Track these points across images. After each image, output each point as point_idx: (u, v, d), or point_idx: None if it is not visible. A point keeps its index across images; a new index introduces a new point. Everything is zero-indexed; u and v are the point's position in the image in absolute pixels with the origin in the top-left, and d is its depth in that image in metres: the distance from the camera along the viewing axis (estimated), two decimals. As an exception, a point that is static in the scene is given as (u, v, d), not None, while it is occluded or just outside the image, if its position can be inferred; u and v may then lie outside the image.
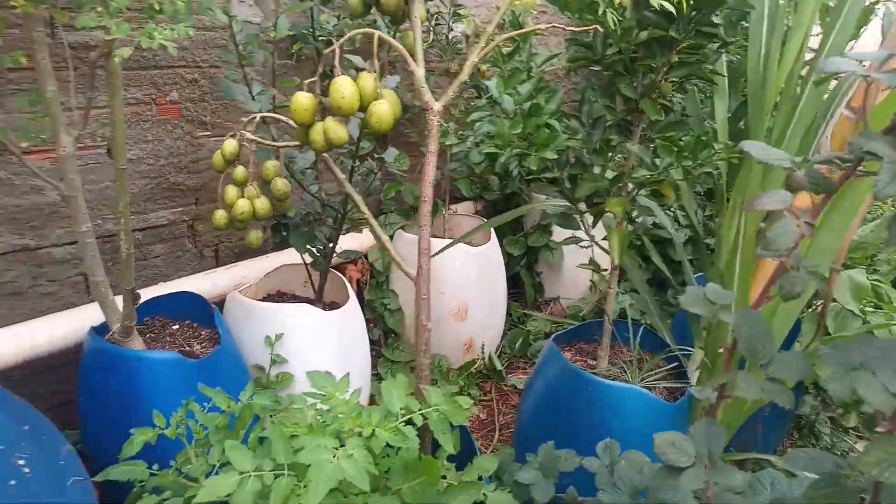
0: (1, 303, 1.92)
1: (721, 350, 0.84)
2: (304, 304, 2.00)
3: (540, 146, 1.29)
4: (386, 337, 2.66)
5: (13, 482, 1.21)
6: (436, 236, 2.55)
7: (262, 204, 1.33)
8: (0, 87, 1.79)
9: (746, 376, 0.74)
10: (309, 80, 1.19)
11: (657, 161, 1.57)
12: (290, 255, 2.37)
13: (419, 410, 1.18)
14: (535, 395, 1.89)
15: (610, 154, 1.62)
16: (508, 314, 2.85)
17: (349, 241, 2.45)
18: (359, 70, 1.25)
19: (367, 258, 2.62)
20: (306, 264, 2.09)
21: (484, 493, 1.21)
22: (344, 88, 1.11)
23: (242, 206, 1.30)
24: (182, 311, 1.98)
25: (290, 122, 1.23)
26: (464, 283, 2.50)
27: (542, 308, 3.04)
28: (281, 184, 1.35)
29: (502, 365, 2.67)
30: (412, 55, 1.21)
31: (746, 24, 1.75)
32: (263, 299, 2.22)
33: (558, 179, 1.62)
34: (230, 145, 1.28)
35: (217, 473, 1.19)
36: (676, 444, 0.75)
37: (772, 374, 0.75)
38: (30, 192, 1.91)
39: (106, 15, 1.34)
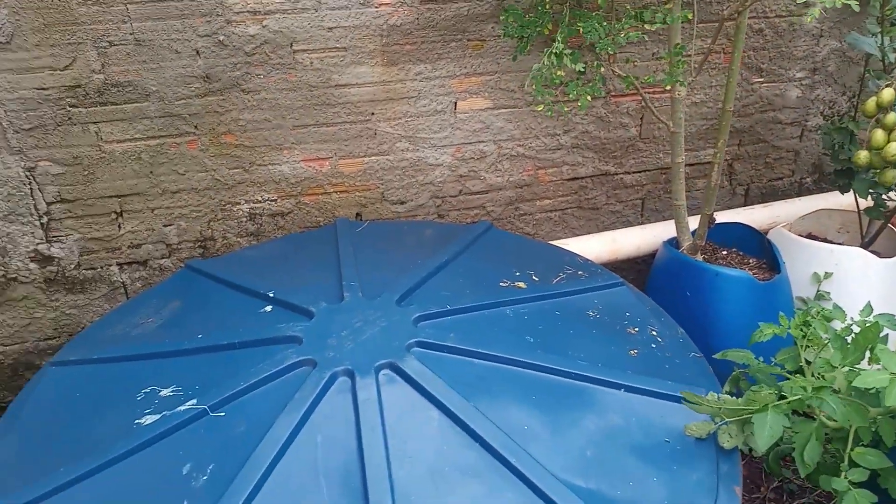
0: (584, 213, 2.44)
1: None
2: (855, 247, 2.06)
3: None
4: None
5: (653, 345, 1.61)
6: None
7: (907, 148, 1.44)
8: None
9: None
10: None
11: None
12: (826, 201, 2.42)
13: None
14: None
15: None
16: None
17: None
18: None
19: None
20: (859, 210, 2.13)
21: None
22: None
23: (893, 148, 1.44)
24: (728, 239, 2.22)
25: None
26: None
27: None
28: (927, 133, 1.44)
29: None
30: None
31: None
32: (798, 239, 2.33)
33: None
34: (888, 93, 1.41)
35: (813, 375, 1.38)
36: None
37: None
38: (617, 128, 2.35)
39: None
